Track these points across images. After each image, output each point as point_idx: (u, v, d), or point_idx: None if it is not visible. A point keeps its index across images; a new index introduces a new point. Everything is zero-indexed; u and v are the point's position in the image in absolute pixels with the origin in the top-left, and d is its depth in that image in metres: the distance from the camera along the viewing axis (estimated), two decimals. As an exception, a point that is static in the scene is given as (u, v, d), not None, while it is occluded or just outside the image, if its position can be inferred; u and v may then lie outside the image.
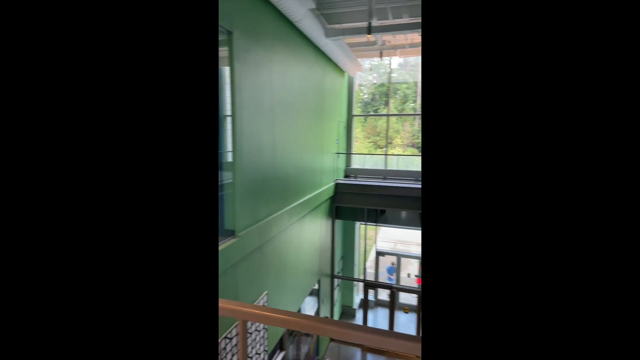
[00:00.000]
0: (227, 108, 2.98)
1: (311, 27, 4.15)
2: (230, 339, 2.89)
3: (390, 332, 0.74)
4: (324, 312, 6.61)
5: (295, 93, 4.28)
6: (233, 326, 2.90)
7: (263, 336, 3.53)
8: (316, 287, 6.00)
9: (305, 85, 4.68)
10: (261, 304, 3.50)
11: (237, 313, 0.83)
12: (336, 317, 7.62)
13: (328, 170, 6.23)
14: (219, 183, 3.04)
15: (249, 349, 3.24)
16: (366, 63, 7.95)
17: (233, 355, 2.94)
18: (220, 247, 2.75)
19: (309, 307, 5.82)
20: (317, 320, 0.79)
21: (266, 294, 3.62)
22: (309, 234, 5.24)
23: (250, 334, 3.25)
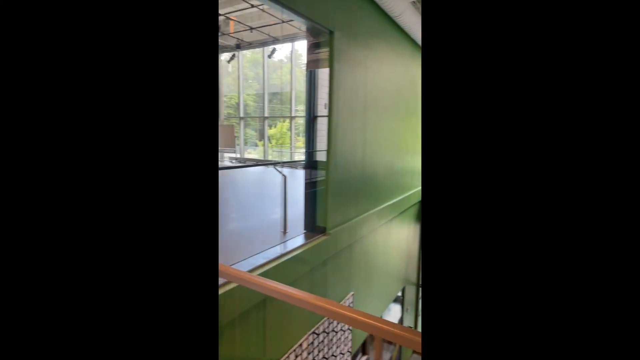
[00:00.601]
0: (317, 109, 3.03)
1: (410, 20, 3.94)
2: (318, 334, 2.94)
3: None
4: (408, 322, 6.27)
5: (389, 91, 4.13)
6: (320, 323, 2.94)
7: (347, 337, 3.51)
8: (400, 294, 5.73)
9: (400, 82, 4.48)
10: (347, 304, 3.48)
11: (374, 329, 0.77)
12: (419, 328, 7.17)
13: (418, 173, 5.87)
14: (314, 179, 3.12)
15: (334, 347, 3.25)
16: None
17: (320, 351, 2.99)
18: (312, 244, 2.81)
19: (392, 314, 5.59)
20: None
21: (352, 294, 3.58)
22: (396, 238, 5.03)
23: (336, 332, 3.25)
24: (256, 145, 11.20)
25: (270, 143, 10.72)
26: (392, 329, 0.75)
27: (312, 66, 3.05)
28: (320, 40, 2.90)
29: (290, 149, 10.03)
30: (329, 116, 2.94)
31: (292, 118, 9.68)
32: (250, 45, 9.21)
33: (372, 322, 0.78)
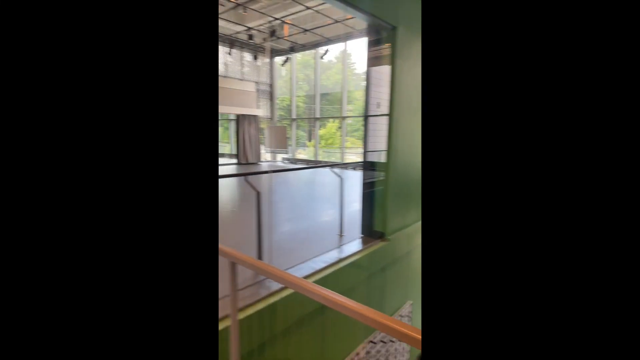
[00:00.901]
0: (370, 108, 2.90)
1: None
2: (375, 343, 2.83)
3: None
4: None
5: (452, 87, 3.85)
6: (377, 331, 2.82)
7: (404, 348, 3.34)
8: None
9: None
10: (405, 313, 3.31)
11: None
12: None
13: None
14: (371, 181, 3.01)
15: (390, 357, 3.11)
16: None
17: (376, 361, 2.87)
18: (370, 249, 2.71)
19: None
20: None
21: (411, 303, 3.40)
22: (456, 245, 4.69)
23: (393, 342, 3.11)
24: (305, 145, 11.35)
25: (320, 143, 10.77)
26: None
27: (371, 64, 2.94)
28: (380, 37, 2.78)
29: (341, 150, 9.98)
30: (390, 115, 2.80)
31: (343, 118, 9.62)
32: (304, 47, 9.35)
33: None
